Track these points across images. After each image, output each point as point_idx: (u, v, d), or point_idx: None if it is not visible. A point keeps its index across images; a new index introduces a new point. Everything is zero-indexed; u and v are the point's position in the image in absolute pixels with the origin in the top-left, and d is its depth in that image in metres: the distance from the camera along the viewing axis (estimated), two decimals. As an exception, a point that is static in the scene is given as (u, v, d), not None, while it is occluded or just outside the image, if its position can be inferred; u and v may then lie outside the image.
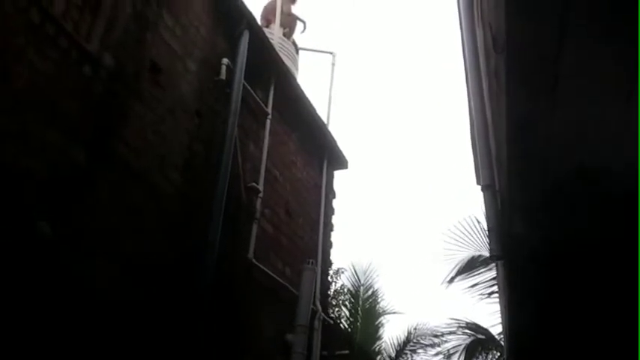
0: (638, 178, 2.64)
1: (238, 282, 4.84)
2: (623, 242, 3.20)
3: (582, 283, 3.72)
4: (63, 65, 3.41)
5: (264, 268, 5.21)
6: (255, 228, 5.15)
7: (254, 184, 5.25)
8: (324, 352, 5.94)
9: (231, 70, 5.03)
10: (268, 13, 7.45)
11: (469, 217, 9.98)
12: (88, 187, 3.45)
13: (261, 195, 5.31)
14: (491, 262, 8.27)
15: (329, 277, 10.26)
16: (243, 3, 5.33)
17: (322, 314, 6.08)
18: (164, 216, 4.07)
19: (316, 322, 5.90)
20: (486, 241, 8.44)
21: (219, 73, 4.94)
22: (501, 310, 6.33)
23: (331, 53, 8.03)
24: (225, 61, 5.00)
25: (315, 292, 5.84)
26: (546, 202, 3.06)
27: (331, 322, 6.53)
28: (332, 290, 13.88)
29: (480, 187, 4.01)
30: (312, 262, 5.76)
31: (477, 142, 4.07)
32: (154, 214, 3.97)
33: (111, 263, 3.48)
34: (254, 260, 5.03)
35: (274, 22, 7.14)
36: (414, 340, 13.21)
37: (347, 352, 6.43)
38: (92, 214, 3.42)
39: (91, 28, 3.74)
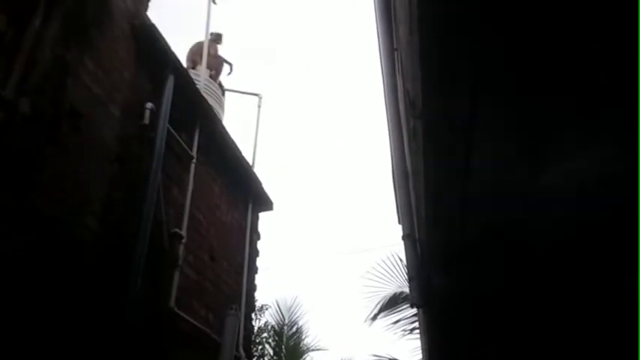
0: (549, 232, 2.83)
1: (160, 332, 4.69)
2: (535, 293, 3.41)
3: (500, 331, 3.90)
4: (-25, 112, 3.26)
5: (187, 317, 5.08)
6: (177, 275, 5.04)
7: (177, 230, 5.15)
8: (248, 400, 5.83)
9: (155, 115, 4.97)
10: (194, 54, 7.46)
11: (392, 254, 10.21)
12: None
13: (184, 241, 5.22)
14: (412, 301, 8.46)
15: (253, 316, 10.14)
16: (168, 46, 5.31)
17: (246, 360, 5.99)
18: (81, 266, 3.91)
19: (240, 369, 5.80)
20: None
21: (142, 117, 4.87)
22: (422, 350, 6.47)
23: (257, 95, 8.11)
24: (149, 105, 4.94)
25: (238, 338, 5.75)
26: (463, 256, 3.22)
27: (255, 367, 6.43)
28: (255, 328, 13.69)
29: (400, 226, 4.15)
30: (236, 308, 5.69)
31: (397, 193, 4.21)
32: (70, 265, 3.81)
33: (21, 319, 3.29)
34: (176, 309, 4.90)
35: (200, 63, 7.15)
36: (339, 377, 13.18)
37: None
38: (4, 269, 3.24)
39: (7, 74, 3.61)
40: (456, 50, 1.98)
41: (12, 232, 3.36)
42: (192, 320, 5.17)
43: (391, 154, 4.44)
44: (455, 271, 3.49)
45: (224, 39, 8.18)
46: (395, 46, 4.48)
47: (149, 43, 5.12)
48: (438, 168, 2.56)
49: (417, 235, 3.90)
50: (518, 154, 2.52)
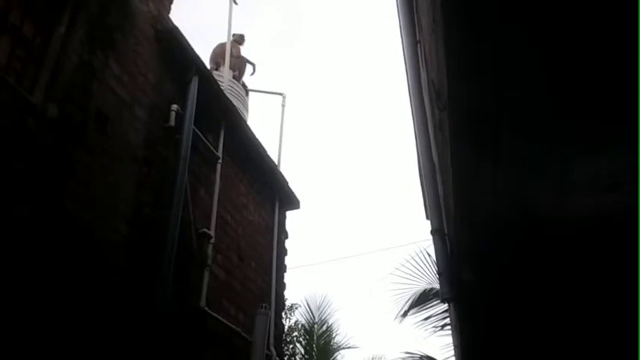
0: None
1: (191, 332, 4.73)
2: (566, 285, 3.32)
3: (530, 325, 3.82)
4: (4, 119, 3.32)
5: (217, 316, 5.11)
6: (206, 275, 5.07)
7: (205, 229, 5.19)
8: (280, 398, 5.84)
9: (180, 116, 5.01)
10: (217, 56, 7.49)
11: (421, 250, 10.13)
12: (32, 246, 3.32)
13: (212, 240, 5.25)
14: (441, 297, 8.38)
15: (283, 315, 10.17)
16: (191, 48, 5.35)
17: (277, 358, 5.99)
18: (111, 268, 3.96)
19: (271, 368, 5.82)
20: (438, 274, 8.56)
21: (168, 119, 4.91)
22: (454, 346, 6.40)
23: (281, 94, 8.11)
24: (174, 107, 4.98)
25: (268, 337, 5.76)
26: (493, 251, 3.15)
27: (286, 365, 6.44)
28: (286, 327, 13.73)
29: (429, 221, 4.09)
30: (266, 307, 5.70)
31: (424, 187, 4.16)
32: (101, 266, 3.86)
33: (57, 323, 3.35)
34: (206, 308, 4.94)
35: (224, 65, 7.18)
36: (370, 375, 13.15)
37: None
38: (37, 273, 3.30)
39: (35, 80, 3.67)
40: (480, 37, 1.94)
41: (45, 237, 3.41)
42: (222, 319, 5.20)
43: (417, 148, 4.39)
44: (485, 265, 3.43)
45: (246, 39, 8.21)
46: (418, 39, 4.43)
47: (172, 46, 5.16)
48: (465, 159, 2.51)
49: (445, 230, 3.85)
50: (549, 142, 2.45)
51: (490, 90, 2.17)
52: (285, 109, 7.96)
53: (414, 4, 4.34)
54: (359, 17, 39.33)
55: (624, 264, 3.10)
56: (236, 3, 7.58)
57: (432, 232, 3.90)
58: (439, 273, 3.85)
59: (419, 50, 4.38)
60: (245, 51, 8.16)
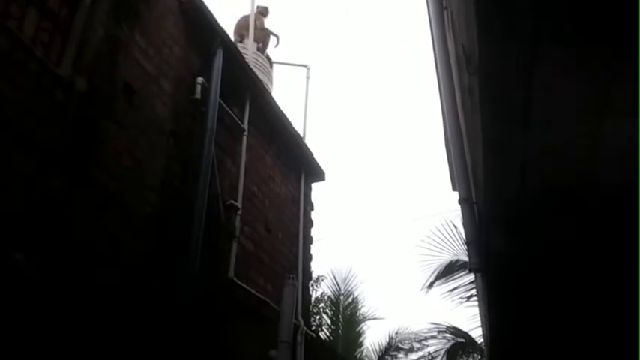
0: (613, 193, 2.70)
1: (220, 302, 4.80)
2: (598, 254, 3.27)
3: (559, 294, 3.79)
4: (34, 91, 3.36)
5: (246, 286, 5.18)
6: (235, 246, 5.12)
7: (232, 201, 5.22)
8: (308, 367, 5.93)
9: (206, 89, 5.01)
10: (241, 28, 7.45)
11: (446, 222, 10.10)
12: (65, 215, 3.39)
13: (239, 212, 5.29)
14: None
15: (310, 287, 10.27)
16: (216, 20, 5.32)
17: (305, 328, 6.07)
18: (142, 239, 4.02)
19: (299, 337, 5.89)
20: (464, 246, 8.57)
21: (194, 92, 4.92)
22: (481, 317, 6.40)
23: (305, 66, 8.05)
24: (199, 79, 4.98)
25: (296, 307, 5.83)
26: (523, 217, 3.12)
27: (314, 335, 6.52)
28: (312, 298, 13.88)
29: (456, 193, 4.06)
30: (293, 277, 5.75)
31: (452, 156, 4.12)
32: (131, 238, 3.92)
33: (88, 291, 3.43)
34: (235, 279, 5.00)
35: (247, 37, 7.14)
36: (396, 346, 13.26)
37: (330, 365, 6.41)
38: (69, 241, 3.37)
39: (62, 52, 3.70)
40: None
41: (77, 206, 3.48)
42: (251, 290, 5.27)
43: (444, 116, 4.34)
44: (515, 234, 3.39)
45: (270, 11, 8.14)
46: (445, 5, 4.34)
47: (197, 18, 5.14)
48: (496, 125, 2.47)
49: (474, 199, 3.82)
50: (582, 106, 2.39)
51: (523, 52, 2.11)
52: (310, 80, 7.92)
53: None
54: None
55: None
56: (259, -26, 7.51)
57: (460, 202, 3.87)
58: (467, 242, 3.83)
59: (446, 16, 4.30)
60: (269, 23, 8.11)
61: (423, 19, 4.71)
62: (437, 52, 4.16)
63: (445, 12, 4.30)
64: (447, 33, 4.17)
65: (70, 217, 3.43)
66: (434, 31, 4.24)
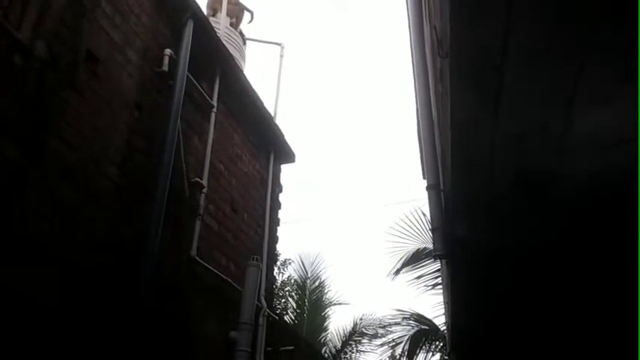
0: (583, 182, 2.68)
1: (181, 280, 4.71)
2: (563, 243, 3.28)
3: (523, 283, 3.80)
4: (-10, 54, 3.19)
5: (208, 266, 5.09)
6: (198, 224, 5.02)
7: (197, 179, 5.11)
8: (269, 349, 5.89)
9: (174, 61, 4.86)
10: (214, 1, 7.27)
11: (415, 210, 10.14)
12: (19, 185, 3.25)
13: (205, 190, 5.18)
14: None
15: (276, 270, 10.22)
16: (187, -9, 5.16)
17: (267, 310, 6.02)
18: (101, 213, 3.90)
19: (261, 319, 5.84)
20: (431, 234, 8.62)
21: (161, 64, 4.76)
22: (444, 304, 6.44)
23: (279, 44, 7.90)
24: (168, 51, 4.82)
25: (259, 289, 5.76)
26: (489, 205, 3.10)
27: (276, 318, 6.48)
28: (279, 282, 13.86)
29: (425, 181, 4.04)
30: (257, 259, 5.68)
31: (422, 142, 4.08)
32: (90, 212, 3.80)
33: (43, 265, 3.30)
34: (197, 257, 4.91)
35: (220, 11, 6.97)
36: (360, 331, 13.36)
37: (292, 347, 6.39)
38: (24, 213, 3.23)
39: (22, 16, 3.51)
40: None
41: (31, 176, 3.33)
42: (213, 269, 5.18)
43: (417, 102, 4.29)
44: (480, 222, 3.38)
45: (245, -13, 7.95)
46: (422, -12, 4.27)
47: (168, -12, 4.98)
48: (465, 109, 2.42)
49: (441, 186, 3.79)
50: (552, 94, 2.36)
51: (496, 35, 2.06)
52: (284, 60, 7.78)
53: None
54: (363, -29, 38.37)
55: (624, 225, 3.05)
56: (236, -52, 7.32)
57: (428, 188, 3.85)
58: (433, 229, 3.81)
59: (423, 1, 4.23)
60: (244, -1, 7.92)
61: (401, 3, 4.62)
62: (412, 37, 4.10)
63: (422, -5, 4.24)
64: (424, 18, 4.11)
65: (25, 188, 3.28)
66: (410, 15, 4.17)
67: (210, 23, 5.83)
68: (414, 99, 4.65)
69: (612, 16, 1.96)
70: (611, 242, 3.31)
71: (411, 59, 4.62)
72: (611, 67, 2.18)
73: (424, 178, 5.12)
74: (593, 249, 3.34)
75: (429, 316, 11.26)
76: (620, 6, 1.92)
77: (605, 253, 3.43)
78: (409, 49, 4.61)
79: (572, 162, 2.67)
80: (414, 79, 4.16)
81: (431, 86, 3.90)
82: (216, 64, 5.80)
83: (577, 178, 2.82)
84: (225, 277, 5.36)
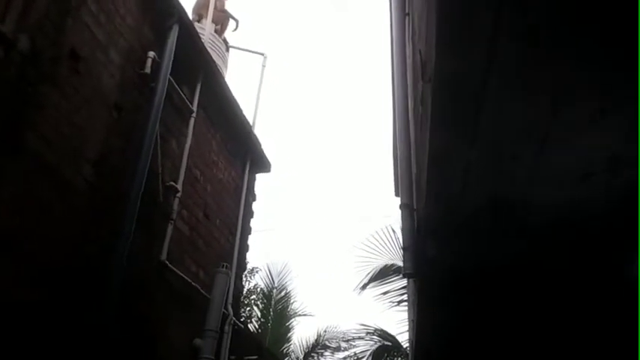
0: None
1: (149, 284, 4.68)
2: (530, 270, 3.37)
3: (489, 307, 3.88)
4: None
5: (177, 271, 5.06)
6: (170, 228, 5.00)
7: (173, 182, 5.10)
8: (233, 357, 5.86)
9: (157, 64, 4.86)
10: (200, 7, 7.28)
11: (386, 227, 10.24)
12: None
13: (179, 195, 5.17)
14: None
15: (243, 278, 10.18)
16: (174, -6, 5.17)
17: (233, 319, 6.00)
18: (74, 212, 3.86)
19: (227, 327, 5.81)
20: (400, 251, 8.70)
21: (144, 66, 4.76)
22: (409, 322, 6.50)
23: (262, 54, 7.94)
24: (151, 54, 4.82)
25: (227, 297, 5.75)
26: (461, 228, 3.16)
27: (242, 326, 6.46)
28: (245, 289, 13.79)
29: (398, 198, 4.10)
30: (227, 266, 5.67)
31: (398, 161, 4.15)
32: (63, 210, 3.75)
33: (15, 262, 3.25)
34: (167, 262, 4.88)
35: (206, 17, 6.98)
36: (323, 344, 13.36)
37: (255, 357, 6.37)
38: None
39: (6, 9, 3.49)
40: (475, 9, 1.89)
41: (4, 169, 3.29)
42: (182, 275, 5.15)
43: (395, 121, 4.37)
44: (450, 244, 3.45)
45: (232, -6, 7.99)
46: (407, 11, 4.36)
47: (155, -9, 4.98)
48: (443, 135, 2.48)
49: (415, 205, 3.85)
50: (526, 128, 2.44)
51: (478, 65, 2.13)
52: (266, 70, 7.82)
53: (408, -26, 4.26)
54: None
55: (592, 253, 3.16)
56: (225, -45, 7.36)
57: (401, 207, 3.90)
58: (404, 248, 3.85)
59: (407, 23, 4.32)
60: (230, 6, 7.95)
61: (386, 21, 4.72)
62: (395, 57, 4.18)
63: (407, 18, 4.32)
64: (407, 40, 4.20)
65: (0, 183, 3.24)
66: (394, 36, 4.26)
67: (195, 29, 5.84)
68: (393, 117, 4.74)
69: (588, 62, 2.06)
70: (573, 269, 3.41)
71: (391, 79, 4.71)
72: (584, 106, 2.28)
73: (397, 195, 5.18)
74: (556, 274, 3.44)
75: (392, 332, 11.34)
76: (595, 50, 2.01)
77: (566, 278, 3.53)
78: (390, 68, 4.70)
79: (541, 192, 2.75)
80: (394, 98, 4.24)
81: (410, 107, 3.98)
82: (199, 70, 5.81)
83: (544, 207, 2.91)
84: (193, 283, 5.33)
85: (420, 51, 2.83)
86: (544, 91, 2.25)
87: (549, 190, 2.75)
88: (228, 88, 6.42)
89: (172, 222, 5.05)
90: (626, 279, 3.30)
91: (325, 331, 13.26)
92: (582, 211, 2.86)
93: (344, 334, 12.57)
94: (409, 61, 4.08)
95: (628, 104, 2.25)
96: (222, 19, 7.55)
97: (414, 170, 3.87)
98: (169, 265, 4.92)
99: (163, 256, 4.86)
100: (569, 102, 2.29)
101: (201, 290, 5.43)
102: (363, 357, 11.62)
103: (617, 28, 1.93)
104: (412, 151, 3.90)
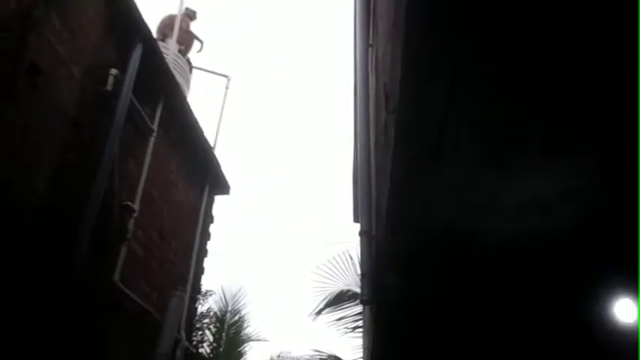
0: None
1: (100, 306, 4.55)
2: (486, 299, 3.45)
3: (444, 336, 3.93)
4: None
5: (130, 293, 4.95)
6: (124, 249, 4.90)
7: (129, 202, 5.01)
8: (183, 383, 5.73)
9: (119, 82, 4.80)
10: (165, 27, 7.25)
11: (343, 252, 10.24)
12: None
13: (135, 215, 5.08)
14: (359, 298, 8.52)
15: (197, 301, 9.99)
16: (140, 14, 5.13)
17: (186, 343, 5.88)
18: (26, 230, 3.74)
19: (178, 351, 5.70)
20: (357, 277, 8.71)
21: (106, 83, 4.69)
22: (364, 349, 6.50)
23: (226, 76, 7.95)
24: (113, 71, 4.76)
25: (181, 320, 5.64)
26: (420, 256, 3.22)
27: (194, 351, 6.33)
28: (198, 313, 13.51)
29: (356, 224, 4.14)
30: (182, 289, 5.57)
31: (358, 188, 4.20)
32: (15, 227, 3.63)
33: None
34: (120, 284, 4.76)
35: (171, 37, 6.96)
36: (276, 369, 13.18)
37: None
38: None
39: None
40: (439, 46, 1.96)
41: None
42: (134, 297, 5.03)
43: (356, 149, 4.43)
44: (407, 272, 3.50)
45: (198, 16, 8.00)
46: (370, 42, 4.46)
47: (120, 9, 4.94)
48: (405, 164, 2.54)
49: (373, 233, 3.90)
50: (486, 161, 2.53)
51: (440, 100, 2.20)
52: (229, 92, 7.82)
53: (372, 8, 4.38)
54: (315, 20, 39.39)
55: (546, 282, 3.26)
56: (192, -23, 7.38)
57: (361, 234, 3.94)
58: (362, 274, 3.89)
59: (370, 54, 4.42)
60: (195, 27, 7.95)
61: (350, 50, 4.81)
62: (358, 85, 4.26)
63: (370, 49, 4.43)
64: (370, 69, 4.29)
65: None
66: (357, 65, 4.35)
67: (159, 48, 5.81)
68: (354, 144, 4.80)
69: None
70: (526, 296, 3.52)
71: (354, 106, 4.79)
72: (536, 143, 2.38)
73: (356, 221, 5.22)
74: (512, 302, 3.53)
75: (346, 358, 11.26)
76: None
77: (520, 305, 3.63)
78: (354, 96, 4.77)
79: (498, 221, 2.84)
80: (356, 129, 4.31)
81: (371, 136, 4.05)
82: (161, 90, 5.77)
83: (501, 237, 3.00)
84: (146, 306, 5.21)
85: (384, 83, 2.90)
86: (500, 127, 2.35)
87: (506, 220, 2.84)
88: (190, 108, 6.39)
89: (127, 243, 4.95)
90: (579, 308, 3.42)
91: (278, 357, 13.11)
92: (537, 241, 2.96)
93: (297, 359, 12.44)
94: (372, 90, 4.17)
95: (579, 143, 2.38)
96: (186, 39, 7.54)
97: (373, 197, 3.92)
98: (121, 287, 4.80)
99: (116, 277, 4.75)
100: (524, 137, 2.39)
101: (154, 313, 5.31)
102: (315, 383, 11.48)
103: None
104: (373, 179, 3.96)
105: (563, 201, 2.66)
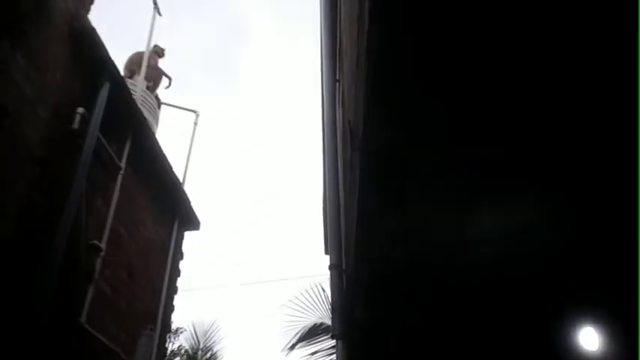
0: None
1: (69, 348, 4.43)
2: (456, 331, 3.49)
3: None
4: None
5: (97, 334, 4.83)
6: (91, 289, 4.80)
7: (96, 242, 4.93)
8: None
9: (86, 120, 4.78)
10: (133, 63, 7.27)
11: (315, 285, 10.18)
12: None
13: (102, 254, 5.00)
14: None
15: (167, 339, 9.78)
16: (107, 52, 5.15)
17: (156, 383, 5.75)
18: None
19: (148, 392, 5.55)
20: (329, 309, 8.67)
21: (72, 121, 4.67)
22: (338, 383, 6.44)
23: (195, 112, 7.98)
24: (80, 110, 4.74)
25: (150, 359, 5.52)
26: (387, 289, 3.25)
27: (165, 392, 6.18)
28: (168, 351, 13.21)
29: (327, 256, 4.15)
30: (151, 328, 5.47)
31: (327, 222, 4.23)
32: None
33: None
34: (87, 325, 4.66)
35: (138, 73, 6.97)
36: (249, 407, 12.90)
37: None
38: None
39: None
40: (399, 86, 2.03)
41: None
42: (102, 338, 4.92)
43: (325, 184, 4.47)
44: (377, 305, 3.52)
45: (166, 53, 8.04)
46: (338, 78, 4.56)
47: (87, 47, 4.95)
48: (371, 200, 2.59)
49: (343, 266, 3.92)
50: (450, 196, 2.59)
51: (402, 138, 2.27)
52: (198, 127, 7.84)
53: (338, 45, 4.48)
54: (284, 53, 39.87)
55: (508, 314, 3.32)
56: (160, 14, 7.45)
57: (330, 267, 3.95)
58: (333, 309, 3.89)
59: (337, 89, 4.51)
60: (163, 64, 7.99)
61: (318, 84, 4.89)
62: (325, 123, 4.32)
63: (337, 84, 4.51)
64: (337, 104, 4.37)
65: None
66: (325, 100, 4.42)
67: (127, 86, 5.82)
68: (323, 178, 4.84)
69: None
70: (493, 326, 3.57)
71: (322, 140, 4.84)
72: (503, 176, 2.46)
73: (326, 253, 5.23)
74: (479, 332, 3.58)
75: (320, 394, 11.09)
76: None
77: (488, 335, 3.67)
78: (322, 130, 4.83)
79: (463, 255, 2.91)
80: (325, 164, 4.35)
81: (340, 170, 4.10)
82: (129, 127, 5.75)
83: (466, 269, 3.06)
84: (114, 348, 5.10)
85: (349, 121, 2.97)
86: (462, 168, 2.43)
87: (470, 253, 2.90)
88: (158, 144, 6.37)
89: (94, 282, 4.86)
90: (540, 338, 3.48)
91: (251, 394, 12.84)
92: (501, 274, 3.03)
93: (270, 397, 12.21)
94: (339, 124, 4.24)
95: (533, 185, 2.47)
96: (155, 75, 7.56)
97: (343, 230, 3.95)
98: (88, 328, 4.69)
99: (83, 318, 4.64)
100: (489, 176, 2.47)
101: (122, 354, 5.20)
102: (286, 421, 11.26)
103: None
104: (341, 212, 4.00)
105: (524, 236, 2.74)
